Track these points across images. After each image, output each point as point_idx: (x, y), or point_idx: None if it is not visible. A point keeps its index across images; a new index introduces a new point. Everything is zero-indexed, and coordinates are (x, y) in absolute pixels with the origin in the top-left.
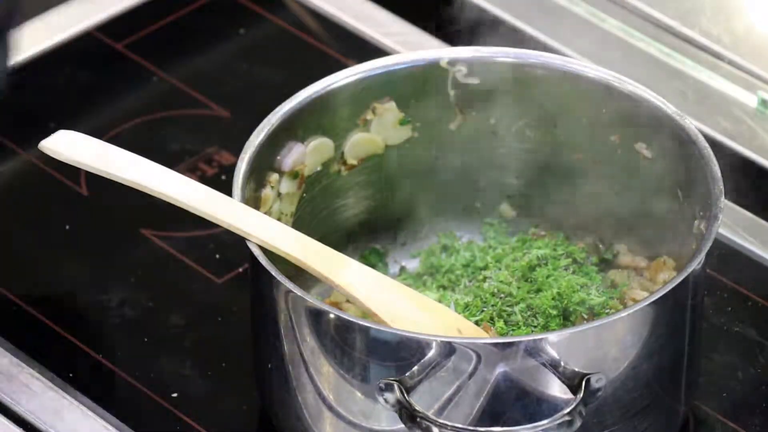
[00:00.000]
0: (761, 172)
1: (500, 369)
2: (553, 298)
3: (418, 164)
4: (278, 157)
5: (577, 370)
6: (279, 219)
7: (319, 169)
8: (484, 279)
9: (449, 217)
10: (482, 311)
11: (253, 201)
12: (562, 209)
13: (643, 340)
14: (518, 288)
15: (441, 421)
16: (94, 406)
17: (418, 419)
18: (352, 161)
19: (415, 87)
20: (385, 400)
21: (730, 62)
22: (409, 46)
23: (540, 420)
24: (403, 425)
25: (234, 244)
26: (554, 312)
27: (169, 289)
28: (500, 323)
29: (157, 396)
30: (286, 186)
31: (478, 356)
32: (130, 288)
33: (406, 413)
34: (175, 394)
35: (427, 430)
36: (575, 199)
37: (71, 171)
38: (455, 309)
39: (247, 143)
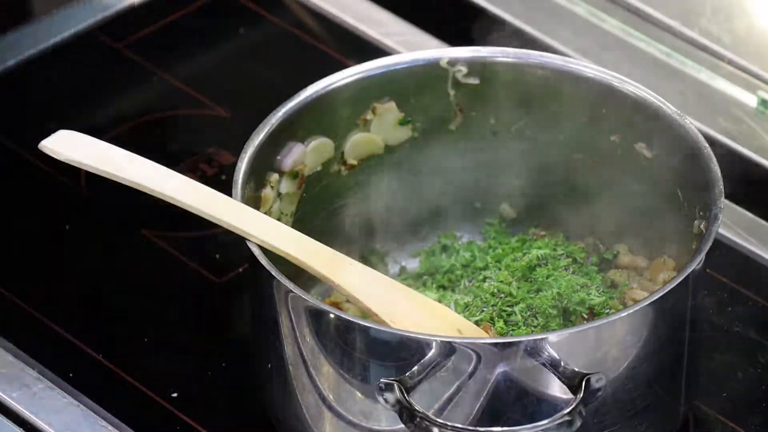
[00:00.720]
0: (761, 172)
1: (500, 369)
2: (553, 298)
3: (418, 164)
4: (278, 157)
5: (577, 370)
6: (279, 219)
7: (319, 169)
8: (484, 279)
9: (449, 217)
10: (482, 311)
11: (253, 201)
12: (562, 209)
13: (643, 340)
14: (518, 288)
15: (441, 421)
16: (94, 406)
17: (418, 419)
18: (352, 161)
19: (415, 87)
20: (385, 400)
21: (730, 62)
22: (409, 46)
23: (540, 420)
24: (403, 425)
25: (234, 244)
26: (554, 312)
27: (169, 289)
28: (500, 323)
29: (157, 396)
30: (286, 186)
31: (478, 356)
32: (130, 288)
33: (406, 413)
34: (175, 394)
35: (427, 430)
36: (575, 199)
37: (71, 171)
38: (455, 309)
39: (247, 143)
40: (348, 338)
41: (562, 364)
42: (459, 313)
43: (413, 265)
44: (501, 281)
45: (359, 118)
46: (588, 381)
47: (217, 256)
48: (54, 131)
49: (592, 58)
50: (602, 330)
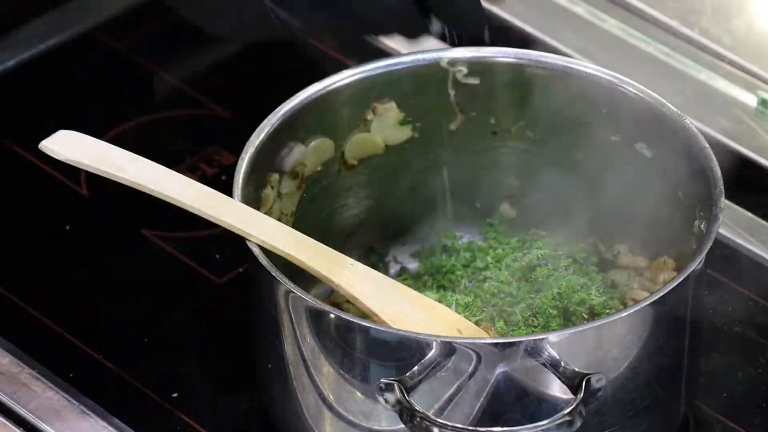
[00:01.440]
0: (761, 172)
1: (500, 369)
2: (553, 298)
3: (418, 164)
4: (278, 157)
5: (577, 370)
6: (279, 219)
7: (319, 169)
8: (485, 279)
9: (449, 217)
10: (482, 311)
11: (253, 201)
12: (563, 209)
13: (644, 340)
14: (518, 288)
15: (441, 421)
16: (94, 406)
17: (419, 419)
18: (352, 161)
19: (415, 87)
20: (386, 400)
21: (730, 62)
22: (409, 46)
23: (540, 420)
24: (403, 425)
25: (234, 244)
26: (554, 312)
27: (169, 289)
28: (500, 323)
29: (157, 396)
30: (287, 186)
31: (479, 356)
32: (130, 288)
33: (407, 413)
34: (175, 394)
35: (427, 431)
36: (575, 199)
37: (71, 171)
38: (455, 309)
39: (248, 143)
40: (348, 338)
41: (563, 364)
42: (459, 313)
43: (413, 265)
44: (501, 281)
45: (359, 118)
46: (588, 381)
47: (217, 256)
48: (54, 131)
49: (592, 58)
50: (602, 330)
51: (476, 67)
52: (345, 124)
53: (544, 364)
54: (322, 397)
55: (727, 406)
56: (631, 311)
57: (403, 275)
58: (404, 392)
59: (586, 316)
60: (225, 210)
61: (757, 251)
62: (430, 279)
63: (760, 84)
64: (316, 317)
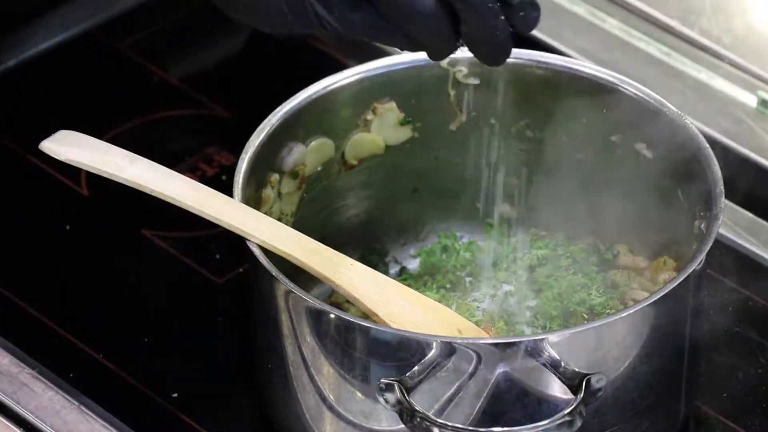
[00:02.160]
0: (761, 172)
1: (500, 369)
2: (553, 299)
3: (418, 164)
4: (278, 157)
5: (577, 370)
6: (279, 219)
7: (319, 169)
8: (485, 279)
9: (449, 217)
10: (482, 311)
11: (253, 201)
12: (563, 209)
13: (644, 340)
14: (518, 288)
15: (441, 421)
16: (94, 406)
17: (419, 419)
18: (352, 161)
19: (415, 87)
20: (386, 401)
21: (730, 62)
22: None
23: (540, 420)
24: (403, 425)
25: (234, 244)
26: (554, 312)
27: (169, 289)
28: (500, 323)
29: (157, 396)
30: (287, 186)
31: (479, 356)
32: (130, 288)
33: (407, 413)
34: (175, 394)
35: (427, 431)
36: (575, 199)
37: (71, 171)
38: (455, 309)
39: (248, 143)
40: (348, 338)
41: (563, 364)
42: (459, 314)
43: (413, 265)
44: (501, 281)
45: (359, 119)
46: (588, 381)
47: (217, 256)
48: (54, 131)
49: (592, 58)
50: (602, 330)
51: (476, 67)
52: (345, 124)
53: (544, 364)
54: (322, 397)
55: (727, 406)
56: (631, 311)
57: (403, 275)
58: (404, 392)
59: (586, 317)
60: (225, 210)
61: (757, 251)
62: (430, 279)
63: (760, 84)
64: (316, 317)
